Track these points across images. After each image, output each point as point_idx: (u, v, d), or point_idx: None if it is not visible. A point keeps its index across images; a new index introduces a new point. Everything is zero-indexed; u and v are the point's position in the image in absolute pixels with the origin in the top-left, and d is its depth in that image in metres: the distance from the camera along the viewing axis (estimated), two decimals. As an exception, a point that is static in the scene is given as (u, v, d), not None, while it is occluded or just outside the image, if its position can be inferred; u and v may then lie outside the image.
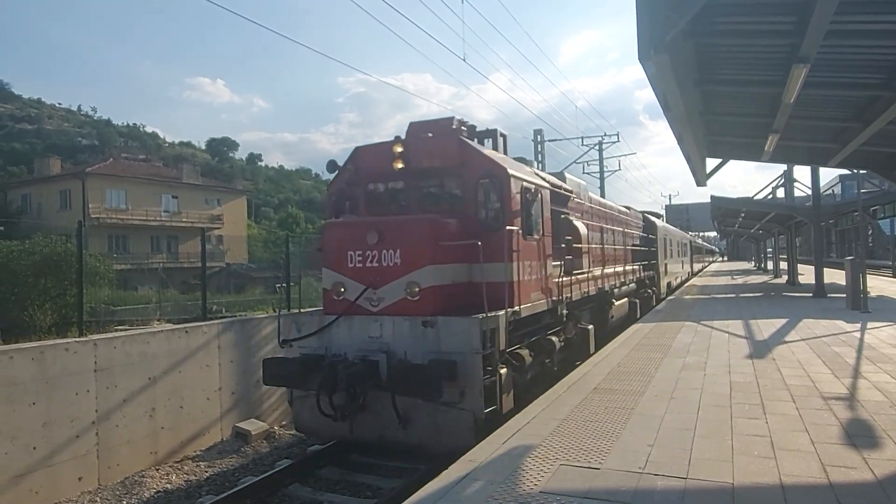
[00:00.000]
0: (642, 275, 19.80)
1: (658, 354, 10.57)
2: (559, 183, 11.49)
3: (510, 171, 8.48)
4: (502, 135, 10.23)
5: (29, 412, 8.11)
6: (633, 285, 17.86)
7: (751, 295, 24.75)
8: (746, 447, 5.50)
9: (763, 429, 6.06)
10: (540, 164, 31.73)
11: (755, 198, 31.86)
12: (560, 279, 10.21)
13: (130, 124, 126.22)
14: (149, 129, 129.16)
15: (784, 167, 31.17)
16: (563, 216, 11.01)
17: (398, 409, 7.34)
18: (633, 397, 7.49)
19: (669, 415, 6.66)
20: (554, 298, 9.90)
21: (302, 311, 10.11)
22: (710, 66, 9.88)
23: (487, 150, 9.09)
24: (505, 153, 10.11)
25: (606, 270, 14.22)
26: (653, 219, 23.82)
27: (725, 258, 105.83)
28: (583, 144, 38.73)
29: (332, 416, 7.61)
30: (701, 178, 17.59)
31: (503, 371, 7.65)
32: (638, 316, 17.23)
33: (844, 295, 17.72)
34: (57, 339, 11.30)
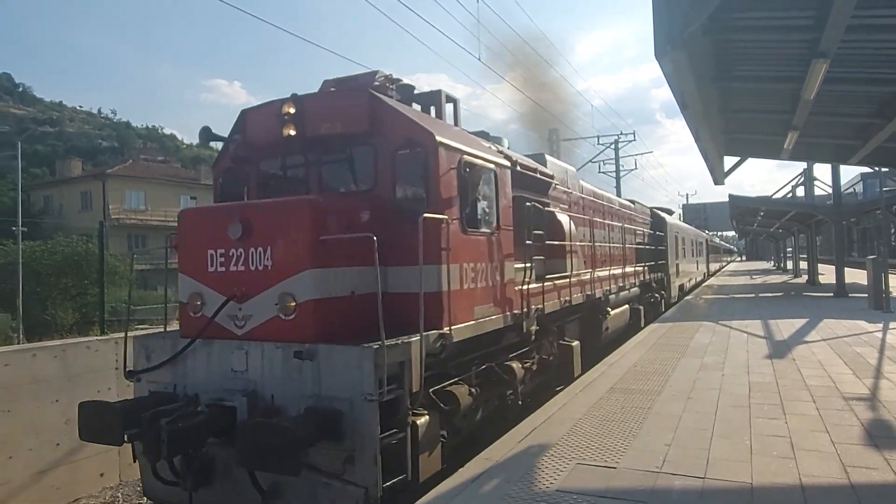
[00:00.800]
0: (648, 277, 17.56)
1: (675, 354, 10.49)
2: (532, 165, 9.20)
3: (439, 138, 6.13)
4: (451, 99, 7.97)
5: (52, 409, 8.26)
6: (636, 289, 15.71)
7: (770, 295, 24.46)
8: (765, 447, 5.44)
9: (782, 429, 6.00)
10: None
11: (774, 196, 31.46)
12: (527, 286, 7.82)
13: (149, 126, 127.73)
14: (167, 131, 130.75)
15: (804, 165, 30.76)
16: (537, 206, 8.51)
17: (258, 483, 5.18)
18: (649, 397, 7.44)
19: (687, 414, 6.61)
20: (516, 311, 7.55)
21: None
22: (728, 63, 9.77)
23: (413, 112, 6.77)
24: (456, 125, 7.90)
25: (600, 273, 11.86)
26: (662, 215, 21.66)
27: (744, 258, 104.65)
28: (598, 143, 38.55)
29: (178, 482, 5.51)
30: (719, 176, 17.40)
31: (422, 421, 5.55)
32: (642, 325, 15.28)
33: (866, 295, 17.43)
34: (79, 337, 11.48)
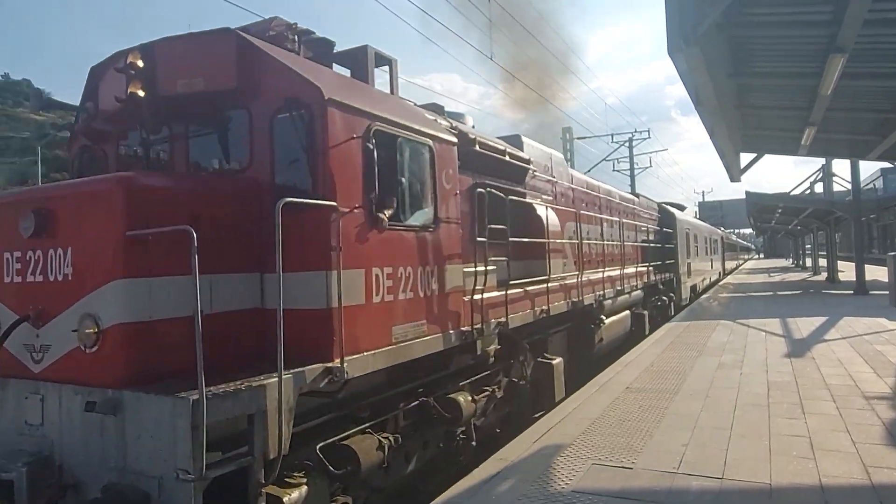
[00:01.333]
0: (654, 278, 15.94)
1: (692, 353, 10.40)
2: (499, 146, 7.57)
3: (331, 96, 4.45)
4: (385, 60, 6.23)
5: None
6: (638, 293, 13.95)
7: (789, 293, 24.17)
8: (785, 447, 5.38)
9: (802, 429, 5.92)
10: (570, 163, 31.53)
11: (792, 193, 31.07)
12: (482, 295, 6.15)
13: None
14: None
15: (822, 161, 30.35)
16: (503, 196, 6.91)
17: None
18: (666, 396, 7.39)
19: (705, 414, 6.55)
20: (465, 328, 5.87)
21: None
22: (744, 58, 9.67)
23: (299, 62, 4.95)
24: (393, 92, 6.24)
25: (591, 276, 10.22)
26: (672, 210, 20.05)
27: (762, 255, 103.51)
28: (612, 141, 38.34)
29: None
30: (735, 173, 17.22)
31: (292, 497, 3.95)
32: (647, 332, 13.71)
33: (887, 292, 17.17)
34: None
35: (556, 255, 8.52)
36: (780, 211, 31.10)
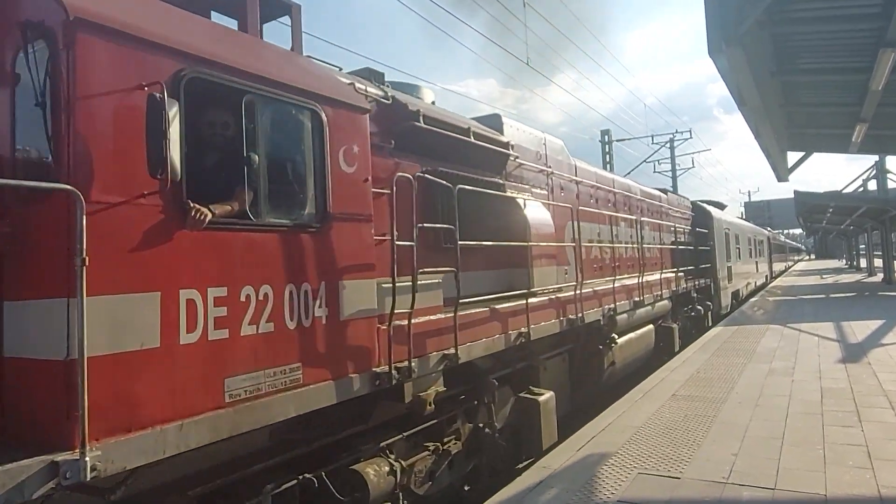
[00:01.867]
0: (687, 285, 13.92)
1: (741, 359, 10.13)
2: (450, 120, 5.94)
3: (79, 14, 2.75)
4: (285, 7, 4.71)
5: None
6: (664, 303, 11.66)
7: (842, 295, 23.30)
8: (840, 457, 5.19)
9: (858, 437, 5.70)
10: (609, 166, 31.14)
11: (844, 191, 29.96)
12: (407, 321, 4.45)
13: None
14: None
15: (875, 158, 29.19)
16: (453, 186, 5.20)
17: None
18: (714, 405, 7.21)
19: (755, 423, 6.37)
20: (378, 369, 4.26)
21: None
22: (789, 56, 9.42)
23: None
24: (295, 49, 4.63)
25: (598, 286, 8.55)
26: (708, 209, 17.99)
27: (813, 256, 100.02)
28: (653, 143, 37.70)
29: None
30: (782, 172, 16.78)
31: None
32: (676, 348, 11.86)
33: (950, 293, 16.37)
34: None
35: (545, 262, 6.99)
36: (831, 210, 30.00)
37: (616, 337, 8.78)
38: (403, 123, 5.19)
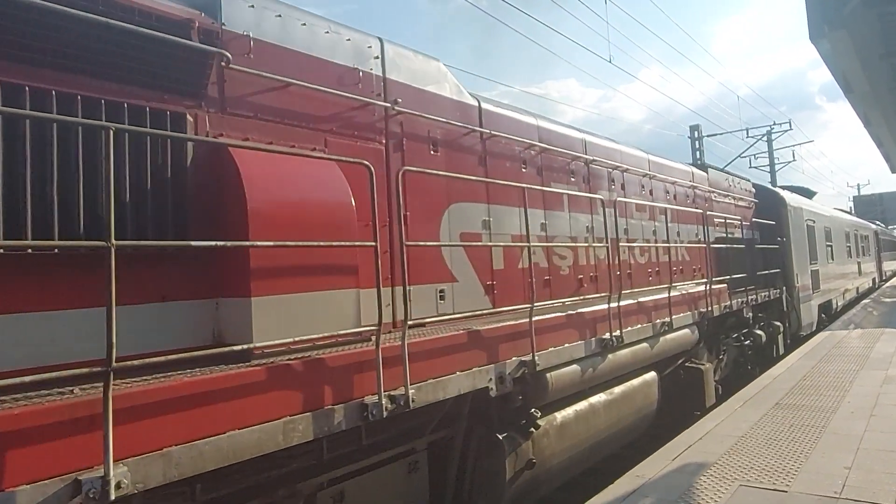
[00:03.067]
0: (738, 301, 9.54)
1: (852, 366, 9.41)
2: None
3: None
4: None
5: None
6: (685, 332, 7.54)
7: (972, 295, 21.10)
8: (974, 474, 4.71)
9: None
10: (700, 162, 29.80)
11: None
12: None
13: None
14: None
15: None
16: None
17: None
18: (823, 414, 6.74)
19: (870, 434, 5.90)
20: None
21: None
22: (901, 36, 8.68)
23: None
24: None
25: (489, 323, 4.76)
26: (781, 194, 14.08)
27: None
28: (748, 136, 35.74)
29: None
30: (896, 163, 15.44)
31: None
32: (707, 402, 7.95)
33: None
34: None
35: (334, 281, 3.68)
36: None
37: (543, 413, 5.07)
38: None
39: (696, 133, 32.77)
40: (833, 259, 17.95)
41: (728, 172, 12.90)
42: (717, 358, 9.10)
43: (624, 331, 6.06)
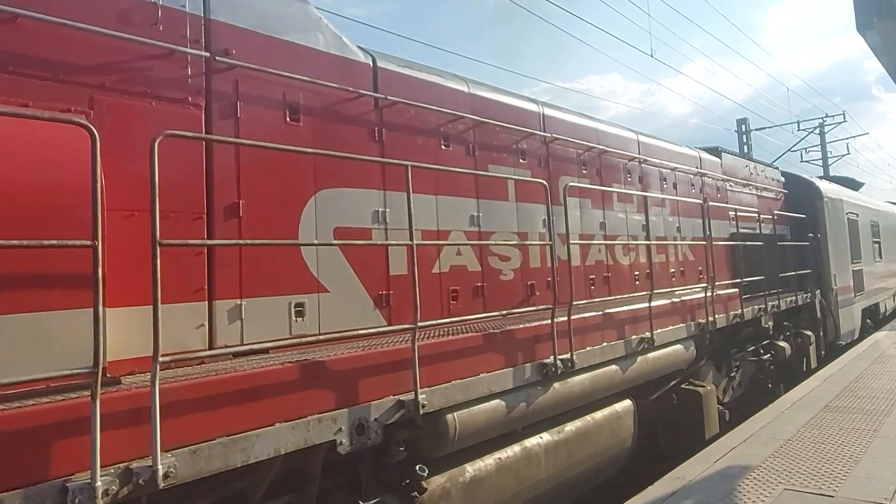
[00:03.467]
0: (756, 308, 8.18)
1: (909, 367, 9.05)
2: None
3: None
4: None
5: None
6: (678, 347, 6.25)
7: None
8: None
9: None
10: (747, 157, 28.98)
11: None
12: None
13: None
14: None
15: None
16: None
17: None
18: (875, 418, 6.52)
19: (925, 439, 5.69)
20: None
21: None
22: (959, 23, 8.30)
23: None
24: None
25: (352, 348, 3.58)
26: (816, 184, 12.37)
27: None
28: (799, 129, 34.55)
29: None
30: (958, 154, 14.68)
31: None
32: (711, 430, 6.69)
33: None
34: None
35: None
36: None
37: (443, 467, 3.95)
38: None
39: (743, 127, 31.89)
40: (881, 257, 16.06)
41: (750, 158, 11.42)
42: (726, 377, 7.85)
43: (578, 352, 4.68)
